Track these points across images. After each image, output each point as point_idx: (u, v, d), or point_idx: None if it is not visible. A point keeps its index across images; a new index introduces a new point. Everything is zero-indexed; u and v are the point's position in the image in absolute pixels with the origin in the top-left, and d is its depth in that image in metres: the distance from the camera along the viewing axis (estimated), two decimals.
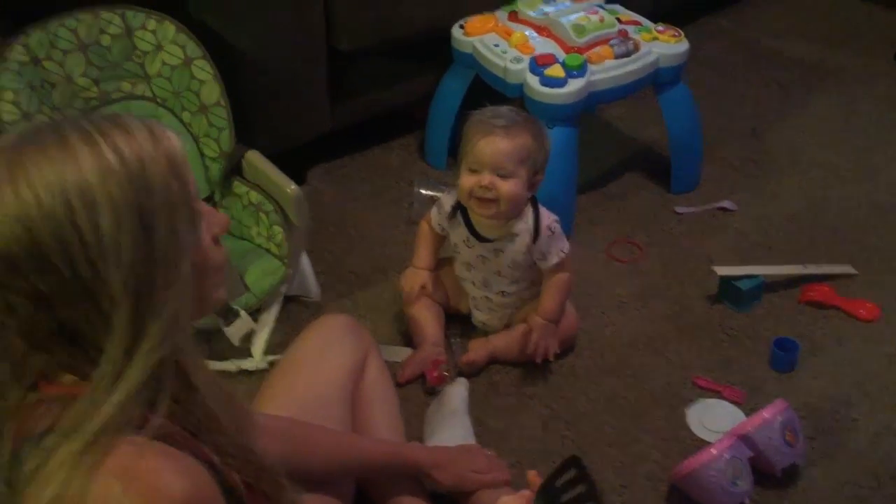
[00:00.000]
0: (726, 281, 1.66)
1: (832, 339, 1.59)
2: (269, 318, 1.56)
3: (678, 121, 1.90)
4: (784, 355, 1.52)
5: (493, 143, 1.40)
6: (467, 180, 1.43)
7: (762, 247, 1.82)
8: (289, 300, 1.64)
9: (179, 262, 0.74)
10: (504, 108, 1.47)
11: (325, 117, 1.92)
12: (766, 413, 1.31)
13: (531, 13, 1.87)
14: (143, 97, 1.58)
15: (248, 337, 1.51)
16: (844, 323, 1.62)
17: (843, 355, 1.56)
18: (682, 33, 1.85)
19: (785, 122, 2.19)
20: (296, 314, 1.63)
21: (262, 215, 1.57)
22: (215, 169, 1.60)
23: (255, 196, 1.58)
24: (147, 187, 0.72)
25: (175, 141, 0.76)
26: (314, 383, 1.23)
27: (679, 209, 1.93)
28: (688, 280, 1.74)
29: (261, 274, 1.55)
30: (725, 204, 1.93)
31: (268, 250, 1.58)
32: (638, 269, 1.78)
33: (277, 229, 1.55)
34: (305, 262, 1.64)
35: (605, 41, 1.79)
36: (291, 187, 1.53)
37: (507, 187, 1.41)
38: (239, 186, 1.60)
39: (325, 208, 1.93)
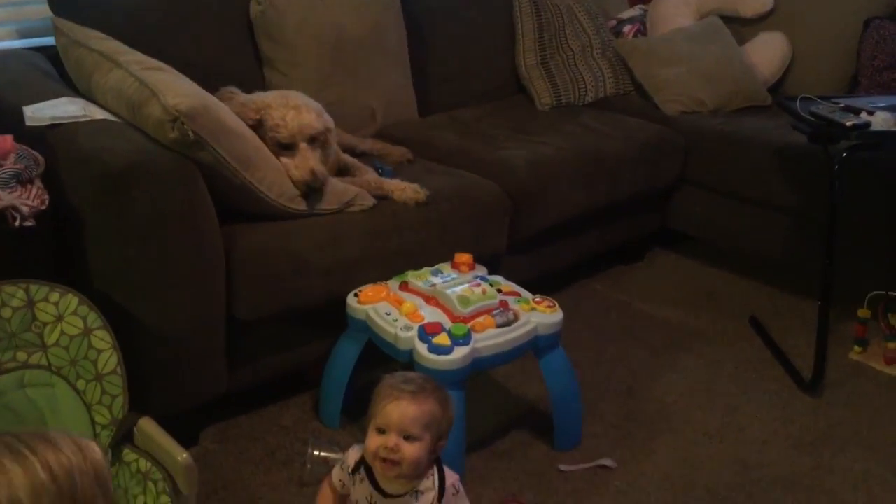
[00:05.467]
0: None
1: None
2: None
3: (558, 383, 2.04)
4: None
5: (401, 406, 1.48)
6: (374, 441, 1.49)
7: None
8: None
9: None
10: (414, 374, 1.57)
11: (222, 381, 1.97)
12: None
13: (420, 284, 2.03)
14: (38, 366, 1.60)
15: None
16: None
17: None
18: (557, 303, 2.03)
19: (656, 381, 2.36)
20: None
21: (150, 484, 1.56)
22: (105, 436, 1.61)
23: (144, 464, 1.58)
24: (76, 501, 0.76)
25: (98, 452, 0.81)
26: None
27: (563, 467, 2.01)
28: None
29: None
30: (606, 462, 2.03)
31: None
32: None
33: (165, 499, 1.54)
34: None
35: (487, 311, 1.95)
36: (182, 456, 1.54)
37: (412, 451, 1.47)
38: (129, 454, 1.60)
39: (216, 470, 1.93)
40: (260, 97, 2.14)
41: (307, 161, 2.04)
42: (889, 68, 2.90)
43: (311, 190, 2.04)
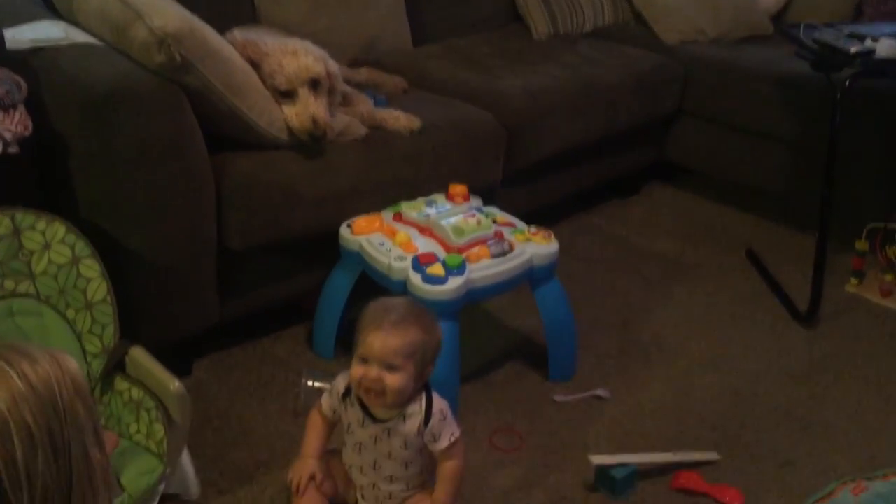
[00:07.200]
0: (602, 470, 1.73)
1: None
2: None
3: (553, 314, 2.02)
4: None
5: (382, 337, 1.47)
6: (357, 370, 1.49)
7: (635, 434, 1.91)
8: (166, 499, 1.60)
9: (93, 478, 0.75)
10: (398, 301, 1.55)
11: (214, 311, 1.95)
12: None
13: (414, 214, 2.00)
14: (26, 295, 1.58)
15: None
16: None
17: None
18: (553, 234, 2.01)
19: (651, 314, 2.36)
20: None
21: (143, 412, 1.56)
22: (96, 365, 1.60)
23: (136, 393, 1.57)
24: (58, 411, 0.74)
25: (75, 364, 0.79)
26: None
27: (557, 397, 2.01)
28: (566, 469, 1.80)
29: (137, 473, 1.51)
30: (600, 392, 2.03)
31: (147, 448, 1.56)
32: (519, 457, 1.83)
33: (158, 427, 1.54)
34: (186, 458, 1.62)
35: (482, 242, 1.92)
36: (175, 384, 1.53)
37: (394, 381, 1.46)
38: (121, 383, 1.59)
39: (209, 401, 1.93)
40: (261, 42, 2.02)
41: (308, 108, 1.94)
42: None
43: (314, 139, 1.96)
